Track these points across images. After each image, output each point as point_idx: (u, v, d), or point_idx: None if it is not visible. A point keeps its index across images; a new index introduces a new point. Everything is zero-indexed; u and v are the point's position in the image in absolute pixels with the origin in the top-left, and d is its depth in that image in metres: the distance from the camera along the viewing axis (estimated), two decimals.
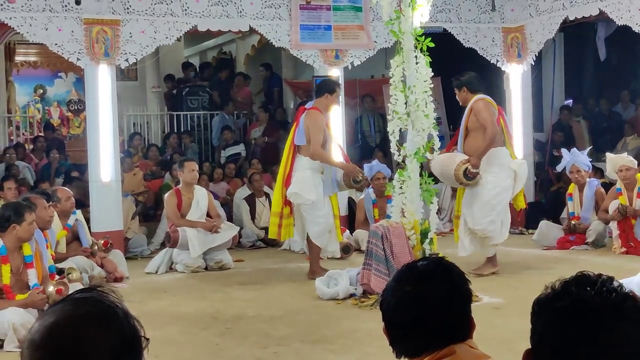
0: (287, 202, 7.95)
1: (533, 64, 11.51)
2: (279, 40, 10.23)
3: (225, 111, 13.96)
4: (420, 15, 6.78)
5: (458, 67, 12.59)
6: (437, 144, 6.79)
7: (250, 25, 10.14)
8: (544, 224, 9.91)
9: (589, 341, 1.50)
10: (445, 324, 1.98)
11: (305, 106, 8.14)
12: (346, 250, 9.26)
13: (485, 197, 7.71)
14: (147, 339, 1.52)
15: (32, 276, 6.08)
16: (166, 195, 9.35)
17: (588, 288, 1.57)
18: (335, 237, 8.13)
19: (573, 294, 1.56)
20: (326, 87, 8.12)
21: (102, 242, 8.41)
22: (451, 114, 13.60)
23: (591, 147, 10.05)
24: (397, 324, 2.00)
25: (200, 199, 9.14)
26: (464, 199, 7.86)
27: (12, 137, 14.14)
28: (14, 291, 5.96)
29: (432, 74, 6.78)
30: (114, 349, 1.45)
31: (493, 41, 11.33)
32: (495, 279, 7.59)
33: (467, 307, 2.05)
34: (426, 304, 1.96)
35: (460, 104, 8.06)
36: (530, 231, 10.60)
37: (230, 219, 10.67)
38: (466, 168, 7.49)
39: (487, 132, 7.63)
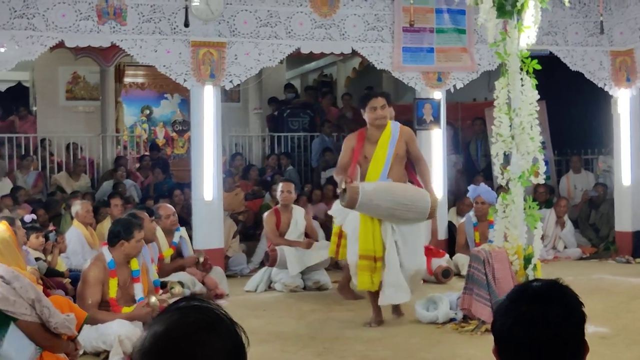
0: None
1: None
2: (381, 62, 10.23)
3: (323, 132, 14.06)
4: (527, 37, 6.68)
5: (564, 91, 12.44)
6: (543, 167, 6.62)
7: (352, 48, 10.18)
8: None
9: None
10: (560, 346, 1.92)
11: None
12: (446, 274, 9.16)
13: (419, 234, 7.02)
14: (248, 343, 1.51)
15: (138, 290, 6.24)
16: (265, 214, 9.46)
17: None
18: None
19: None
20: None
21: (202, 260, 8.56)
22: (556, 139, 13.32)
23: None
24: (511, 345, 1.95)
25: (299, 219, 9.24)
26: (396, 238, 6.75)
27: (119, 156, 14.58)
28: (120, 304, 6.13)
29: (538, 96, 6.65)
30: (229, 353, 1.45)
31: (601, 65, 11.03)
32: (601, 309, 7.34)
33: (581, 329, 1.99)
34: (542, 324, 1.91)
35: (380, 120, 6.82)
36: (637, 260, 10.32)
37: (329, 239, 10.68)
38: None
39: (425, 163, 7.05)
